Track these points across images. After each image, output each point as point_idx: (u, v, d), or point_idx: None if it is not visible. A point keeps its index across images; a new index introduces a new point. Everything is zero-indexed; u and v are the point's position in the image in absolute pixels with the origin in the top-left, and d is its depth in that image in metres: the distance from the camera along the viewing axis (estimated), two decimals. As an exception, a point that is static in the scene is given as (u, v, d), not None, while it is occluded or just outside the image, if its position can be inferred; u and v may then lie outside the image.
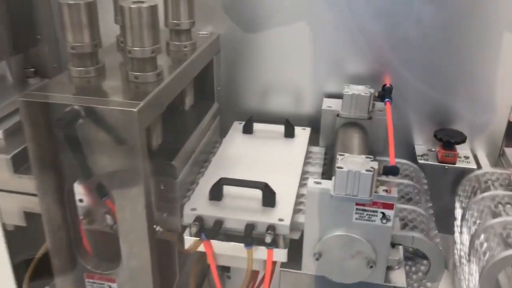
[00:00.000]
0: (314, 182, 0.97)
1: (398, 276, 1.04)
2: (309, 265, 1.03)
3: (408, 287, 1.10)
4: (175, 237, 1.07)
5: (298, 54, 1.41)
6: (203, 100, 1.39)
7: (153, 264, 1.02)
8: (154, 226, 1.05)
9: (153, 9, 0.97)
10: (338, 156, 0.96)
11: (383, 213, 0.95)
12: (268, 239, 0.97)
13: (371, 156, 0.96)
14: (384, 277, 1.02)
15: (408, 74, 1.36)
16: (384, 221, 0.95)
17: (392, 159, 1.02)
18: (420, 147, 1.42)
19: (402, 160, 1.35)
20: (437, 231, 1.12)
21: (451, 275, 1.43)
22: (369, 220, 0.96)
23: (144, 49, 0.99)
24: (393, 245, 1.03)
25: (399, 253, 1.04)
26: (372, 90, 1.29)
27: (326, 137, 1.35)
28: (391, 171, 0.96)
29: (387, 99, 1.26)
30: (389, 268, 1.05)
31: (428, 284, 1.11)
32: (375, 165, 0.92)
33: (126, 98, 0.94)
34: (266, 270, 1.02)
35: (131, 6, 0.95)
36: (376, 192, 0.94)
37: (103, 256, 1.12)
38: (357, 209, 0.96)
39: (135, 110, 0.88)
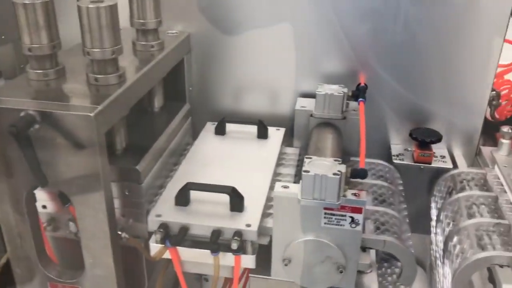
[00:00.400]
0: (282, 186, 0.95)
1: (370, 281, 1.02)
2: (278, 270, 1.00)
3: (383, 289, 1.09)
4: (141, 244, 1.04)
5: (273, 54, 1.38)
6: (174, 101, 1.36)
7: (117, 272, 0.99)
8: (119, 233, 1.02)
9: (113, 8, 0.93)
10: (305, 159, 0.93)
11: (352, 217, 0.92)
12: (234, 245, 0.94)
13: (339, 159, 0.93)
14: (355, 281, 0.99)
15: (384, 73, 1.34)
16: (353, 225, 0.93)
17: (362, 162, 0.99)
18: (397, 147, 1.40)
19: (377, 160, 1.33)
20: (410, 234, 1.10)
21: (429, 276, 1.41)
22: (338, 225, 0.94)
23: (104, 50, 0.95)
24: (364, 249, 1.01)
25: (370, 257, 1.01)
26: (345, 90, 1.27)
27: (300, 137, 1.33)
28: (359, 174, 0.94)
29: (360, 99, 1.23)
30: (360, 272, 1.03)
31: (402, 287, 1.09)
32: (342, 168, 0.90)
33: (85, 102, 0.91)
34: (234, 277, 0.99)
35: (89, 6, 0.92)
36: (344, 196, 0.92)
37: (70, 264, 1.08)
38: (325, 213, 0.93)
39: (92, 114, 0.84)
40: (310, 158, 0.94)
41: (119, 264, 1.00)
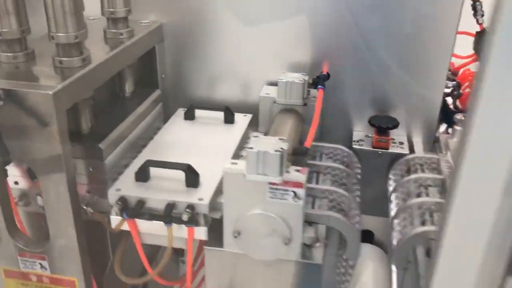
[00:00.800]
0: (231, 163, 1.01)
1: (316, 254, 1.09)
2: (230, 243, 1.07)
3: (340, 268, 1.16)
4: (105, 219, 1.11)
5: (245, 44, 1.45)
6: (146, 88, 1.43)
7: (80, 242, 1.06)
8: (85, 208, 1.10)
9: (76, -5, 1.01)
10: (252, 138, 1.00)
11: (294, 192, 0.99)
12: (185, 217, 1.01)
13: (284, 138, 1.00)
14: (301, 254, 1.06)
15: (347, 63, 1.40)
16: (296, 199, 1.00)
17: (309, 141, 1.06)
18: (359, 133, 1.46)
19: (338, 145, 1.39)
20: (358, 212, 1.16)
21: (389, 258, 1.47)
22: (282, 199, 1.00)
23: (68, 34, 1.03)
24: (311, 223, 1.08)
25: (315, 231, 1.07)
26: (306, 77, 1.33)
27: (265, 123, 1.39)
28: (301, 151, 1.00)
29: (320, 86, 1.30)
30: (309, 246, 1.10)
31: (350, 262, 1.16)
32: (285, 145, 0.96)
33: (47, 82, 0.98)
34: (188, 248, 1.06)
35: (53, -7, 0.99)
36: (287, 172, 0.98)
37: (43, 237, 1.16)
38: (270, 188, 1.00)
39: (50, 93, 0.92)
40: (257, 136, 1.00)
41: (82, 235, 1.07)
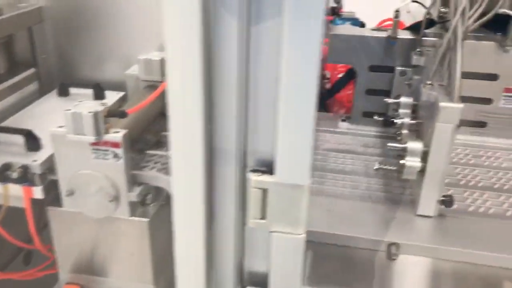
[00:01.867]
0: (58, 126, 1.11)
1: (146, 212, 1.19)
2: (67, 201, 1.17)
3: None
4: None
5: (125, 27, 1.55)
6: (25, 67, 1.52)
7: None
8: None
9: None
10: (75, 103, 1.09)
11: (114, 151, 1.09)
12: (14, 175, 1.10)
13: (105, 102, 1.10)
14: (130, 212, 1.16)
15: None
16: (116, 159, 1.09)
17: (132, 110, 1.15)
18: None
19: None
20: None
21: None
22: (104, 158, 1.10)
23: None
24: (141, 183, 1.17)
25: (144, 190, 1.17)
26: (163, 55, 1.43)
27: (131, 99, 1.49)
28: (118, 114, 1.10)
29: (176, 63, 1.40)
30: (145, 205, 1.19)
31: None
32: (100, 108, 1.06)
33: None
34: (26, 206, 1.15)
35: None
36: (107, 133, 1.08)
37: None
38: (92, 148, 1.09)
39: None
40: (81, 101, 1.10)
41: None
